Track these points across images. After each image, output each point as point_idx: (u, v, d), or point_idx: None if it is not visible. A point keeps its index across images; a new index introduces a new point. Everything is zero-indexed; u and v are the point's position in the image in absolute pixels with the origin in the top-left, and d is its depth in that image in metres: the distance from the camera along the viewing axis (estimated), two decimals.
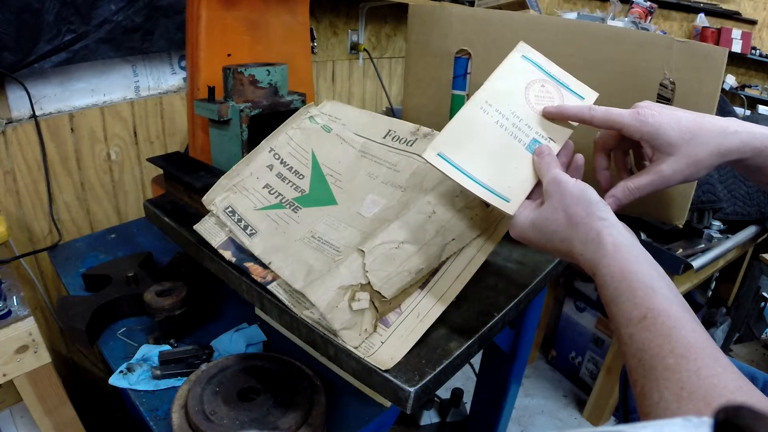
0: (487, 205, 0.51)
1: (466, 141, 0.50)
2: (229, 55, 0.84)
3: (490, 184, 0.49)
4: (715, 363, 0.34)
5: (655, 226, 1.21)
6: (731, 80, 3.17)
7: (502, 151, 0.51)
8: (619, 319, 0.40)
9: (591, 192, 0.45)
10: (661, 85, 0.66)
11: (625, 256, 0.41)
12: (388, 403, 0.64)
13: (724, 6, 3.18)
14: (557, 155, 0.51)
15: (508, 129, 0.51)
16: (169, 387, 0.65)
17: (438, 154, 0.49)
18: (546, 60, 0.57)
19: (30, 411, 0.82)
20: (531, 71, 0.56)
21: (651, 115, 0.48)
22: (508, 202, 0.49)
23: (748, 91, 3.15)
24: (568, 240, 0.44)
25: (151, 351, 0.70)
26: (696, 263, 1.11)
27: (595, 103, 0.54)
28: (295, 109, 0.73)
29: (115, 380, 0.65)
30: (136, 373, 0.66)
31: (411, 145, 0.64)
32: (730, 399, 0.32)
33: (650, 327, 0.37)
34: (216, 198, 0.65)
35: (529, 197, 0.50)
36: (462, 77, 0.79)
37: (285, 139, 0.69)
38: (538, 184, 0.50)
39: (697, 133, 0.47)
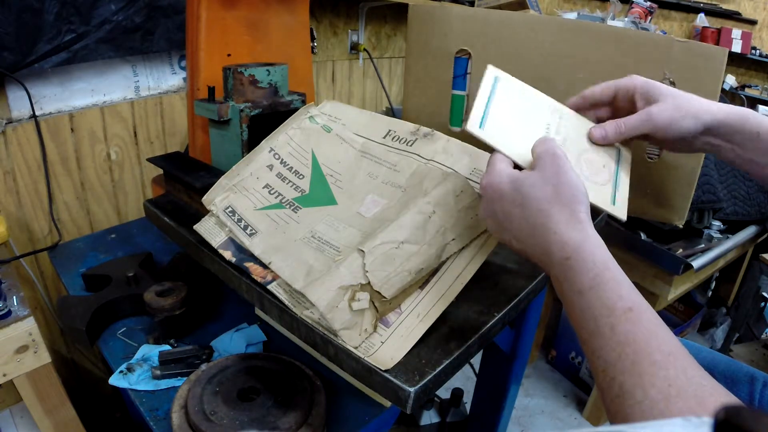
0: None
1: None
2: (229, 55, 0.84)
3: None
4: (697, 366, 0.34)
5: (655, 226, 1.21)
6: (731, 80, 3.17)
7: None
8: (597, 308, 0.38)
9: (582, 184, 0.44)
10: None
11: (606, 251, 0.41)
12: (388, 403, 0.64)
13: (724, 6, 3.18)
14: None
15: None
16: (169, 387, 0.65)
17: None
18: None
19: (30, 411, 0.82)
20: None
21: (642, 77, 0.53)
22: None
23: (748, 91, 3.15)
24: (546, 212, 0.42)
25: (151, 351, 0.70)
26: (696, 263, 1.11)
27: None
28: (295, 109, 0.73)
29: (115, 380, 0.65)
30: (136, 373, 0.66)
31: (411, 145, 0.64)
32: (725, 399, 0.31)
33: (636, 320, 0.36)
34: (216, 198, 0.65)
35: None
36: (462, 77, 0.79)
37: (285, 139, 0.69)
38: None
39: (686, 94, 0.52)
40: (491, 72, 0.55)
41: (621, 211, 0.50)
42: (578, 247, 0.40)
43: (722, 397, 0.31)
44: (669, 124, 0.50)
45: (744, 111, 0.51)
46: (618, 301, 0.37)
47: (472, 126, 0.49)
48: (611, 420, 0.35)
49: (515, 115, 0.53)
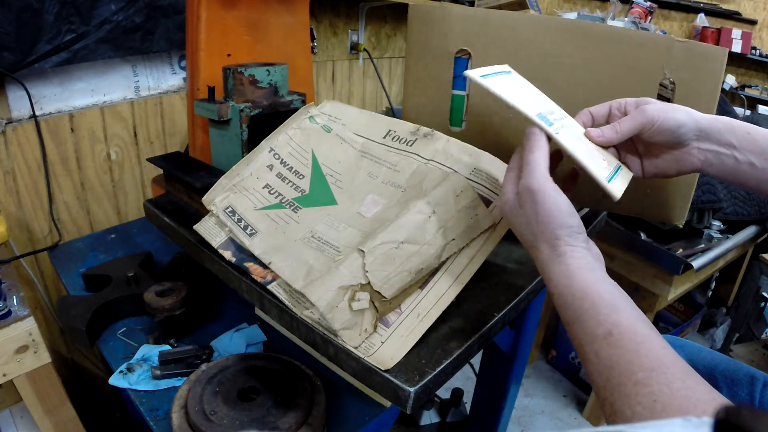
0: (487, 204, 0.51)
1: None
2: (229, 55, 0.84)
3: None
4: (686, 376, 0.34)
5: (655, 226, 1.21)
6: (731, 80, 3.17)
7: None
8: (583, 338, 0.40)
9: (565, 211, 0.44)
10: (661, 85, 0.66)
11: (587, 276, 0.42)
12: (388, 403, 0.64)
13: (724, 6, 3.18)
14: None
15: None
16: (169, 387, 0.65)
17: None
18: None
19: (30, 411, 0.82)
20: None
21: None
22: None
23: (748, 91, 3.14)
24: (535, 248, 0.46)
25: (151, 351, 0.70)
26: (696, 263, 1.11)
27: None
28: (295, 109, 0.73)
29: (115, 380, 0.65)
30: (136, 373, 0.66)
31: (411, 145, 0.64)
32: (710, 409, 0.32)
33: (616, 343, 0.37)
34: (216, 198, 0.65)
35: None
36: (462, 77, 0.78)
37: (285, 139, 0.69)
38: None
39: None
40: (506, 67, 0.55)
41: (616, 190, 0.49)
42: (559, 282, 0.43)
43: (708, 407, 0.32)
44: (662, 114, 0.51)
45: (727, 117, 0.53)
46: (597, 328, 0.39)
47: (474, 73, 0.49)
48: None
49: (516, 94, 0.52)
